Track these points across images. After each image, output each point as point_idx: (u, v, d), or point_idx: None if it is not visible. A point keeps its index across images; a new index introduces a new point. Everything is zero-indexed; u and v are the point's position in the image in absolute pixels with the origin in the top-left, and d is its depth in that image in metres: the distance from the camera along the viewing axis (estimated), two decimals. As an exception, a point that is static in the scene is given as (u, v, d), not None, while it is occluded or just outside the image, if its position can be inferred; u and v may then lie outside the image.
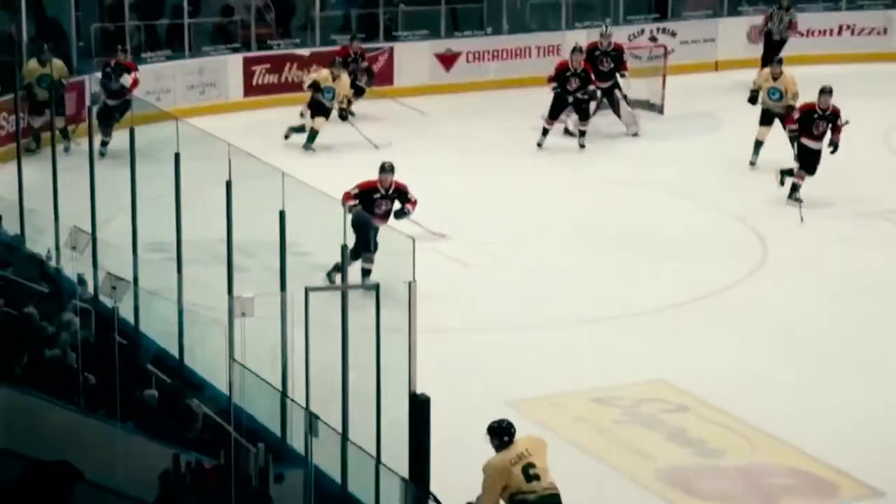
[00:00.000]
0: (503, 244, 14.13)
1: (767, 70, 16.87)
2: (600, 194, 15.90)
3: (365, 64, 19.24)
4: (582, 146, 17.60)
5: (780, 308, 12.50)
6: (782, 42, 20.53)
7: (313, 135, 17.42)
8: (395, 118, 18.88)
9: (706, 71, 21.41)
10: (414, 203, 13.07)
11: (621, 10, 21.93)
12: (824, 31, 21.95)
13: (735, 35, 21.76)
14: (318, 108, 17.54)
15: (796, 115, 15.01)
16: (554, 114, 17.53)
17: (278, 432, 8.47)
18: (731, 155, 16.73)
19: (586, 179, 16.50)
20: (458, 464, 8.78)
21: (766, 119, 16.40)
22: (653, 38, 21.14)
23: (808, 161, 14.81)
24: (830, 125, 14.72)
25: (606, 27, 18.93)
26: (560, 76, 17.39)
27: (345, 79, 17.87)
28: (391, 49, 20.72)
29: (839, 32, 22.18)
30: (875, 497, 9.33)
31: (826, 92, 14.78)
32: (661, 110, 19.01)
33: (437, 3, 21.20)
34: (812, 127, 14.70)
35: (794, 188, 14.86)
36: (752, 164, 16.32)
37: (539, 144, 17.51)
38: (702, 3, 22.62)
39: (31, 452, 8.16)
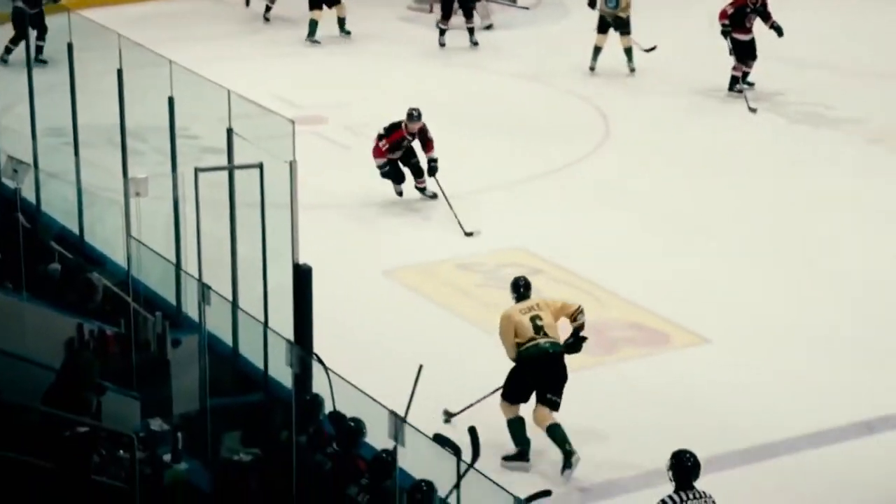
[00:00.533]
0: (379, 128, 13.83)
1: None
2: (464, 81, 15.60)
3: None
4: (475, 43, 16.48)
5: (625, 181, 12.44)
6: None
7: (313, 27, 16.48)
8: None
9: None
10: (432, 143, 11.79)
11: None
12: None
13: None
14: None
15: (729, 11, 14.10)
16: (446, 14, 16.55)
17: (174, 301, 8.31)
18: (580, 44, 16.41)
19: (446, 64, 16.14)
20: (340, 326, 8.76)
21: (602, 27, 14.97)
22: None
23: (747, 51, 14.22)
24: (760, 16, 14.09)
25: None
26: None
27: None
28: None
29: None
30: (703, 343, 9.44)
31: None
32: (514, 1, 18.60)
33: None
34: (745, 20, 14.09)
35: (734, 80, 14.32)
36: (592, 69, 15.14)
37: (441, 44, 16.52)
38: None
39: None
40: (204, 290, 7.15)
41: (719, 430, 8.28)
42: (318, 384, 6.92)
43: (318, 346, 7.71)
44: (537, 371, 7.94)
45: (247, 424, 7.27)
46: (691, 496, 6.18)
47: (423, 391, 7.09)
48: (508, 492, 5.22)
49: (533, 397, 7.99)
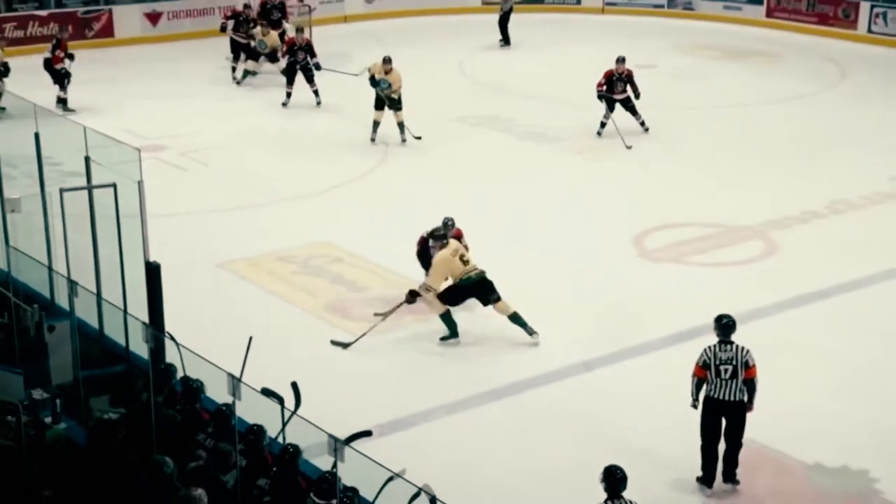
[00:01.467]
0: (207, 151, 13.72)
1: (379, 63, 13.62)
2: (279, 115, 15.52)
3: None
4: (318, 103, 15.49)
5: (405, 185, 12.61)
6: (508, 13, 19.21)
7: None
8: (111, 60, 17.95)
9: (337, 23, 21.12)
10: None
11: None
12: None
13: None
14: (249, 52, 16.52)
15: (603, 81, 14.03)
16: (290, 80, 15.47)
17: (48, 296, 8.13)
18: (360, 82, 16.48)
19: (263, 105, 15.99)
20: (185, 308, 8.66)
21: (378, 104, 13.80)
22: None
23: (613, 105, 14.12)
24: (628, 84, 14.04)
25: None
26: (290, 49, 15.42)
27: (273, 33, 16.57)
28: (110, 10, 19.48)
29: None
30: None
31: (621, 60, 13.92)
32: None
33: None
34: (615, 87, 14.05)
35: (603, 125, 14.15)
36: (373, 140, 13.91)
37: (284, 104, 15.52)
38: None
39: None
40: (72, 286, 7.04)
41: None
42: (171, 357, 6.92)
43: (168, 326, 7.66)
44: (473, 291, 8.87)
45: (113, 390, 7.22)
46: None
47: (253, 357, 7.13)
48: (326, 432, 5.18)
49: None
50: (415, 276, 9.61)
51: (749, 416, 7.01)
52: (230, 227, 11.42)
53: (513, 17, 19.57)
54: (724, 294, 9.65)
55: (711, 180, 12.88)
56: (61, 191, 7.66)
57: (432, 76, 16.93)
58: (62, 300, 7.67)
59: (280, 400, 6.51)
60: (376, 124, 14.04)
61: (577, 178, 13.00)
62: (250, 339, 7.15)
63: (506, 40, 19.48)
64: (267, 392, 6.46)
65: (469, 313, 9.18)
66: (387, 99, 13.79)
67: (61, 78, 15.13)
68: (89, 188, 7.79)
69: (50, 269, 7.99)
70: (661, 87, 16.25)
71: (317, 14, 19.76)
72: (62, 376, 7.21)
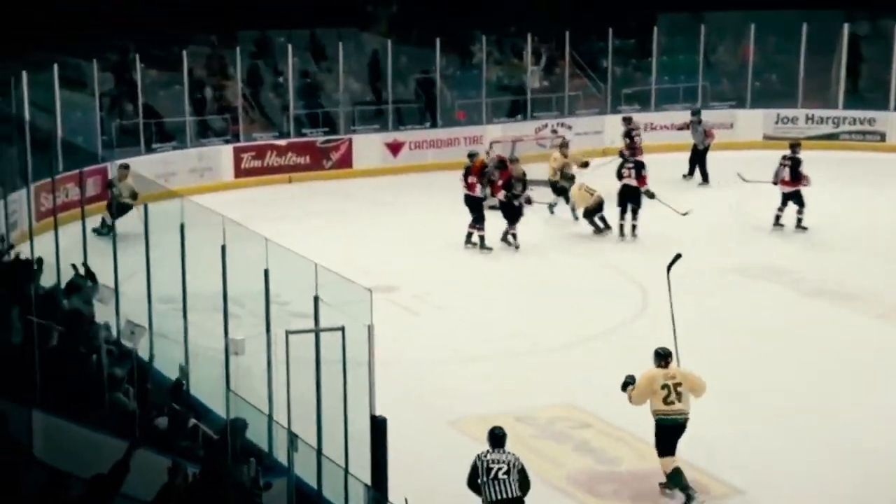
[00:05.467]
0: (442, 294, 14.01)
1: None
2: (517, 253, 15.77)
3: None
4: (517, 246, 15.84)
5: (667, 339, 12.35)
6: (705, 150, 19.59)
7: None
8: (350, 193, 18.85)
9: (595, 157, 21.29)
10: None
11: (529, 109, 22.03)
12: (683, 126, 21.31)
13: (617, 127, 21.65)
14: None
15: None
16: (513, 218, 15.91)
17: (266, 448, 8.34)
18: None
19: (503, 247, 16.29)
20: (411, 472, 8.69)
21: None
22: (554, 131, 21.22)
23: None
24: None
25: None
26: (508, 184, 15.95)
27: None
28: (350, 140, 20.63)
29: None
30: (737, 495, 9.24)
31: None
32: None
33: (385, 104, 21.19)
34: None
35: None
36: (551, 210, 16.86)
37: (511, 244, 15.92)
38: (590, 104, 22.75)
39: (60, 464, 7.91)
40: (293, 439, 7.19)
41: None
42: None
43: (393, 489, 7.71)
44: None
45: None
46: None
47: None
48: None
49: None
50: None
51: None
52: (464, 380, 11.49)
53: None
54: None
55: None
56: (287, 333, 7.94)
57: (703, 215, 16.74)
58: (281, 454, 7.85)
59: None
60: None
61: (881, 348, 12.27)
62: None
63: (704, 178, 19.40)
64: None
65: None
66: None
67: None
68: (317, 331, 8.04)
69: (270, 418, 8.23)
70: None
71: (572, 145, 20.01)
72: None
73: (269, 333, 8.54)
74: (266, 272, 8.50)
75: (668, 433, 9.07)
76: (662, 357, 9.25)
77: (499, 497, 7.84)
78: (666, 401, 9.02)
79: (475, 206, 15.81)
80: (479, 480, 7.93)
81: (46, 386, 8.75)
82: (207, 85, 20.65)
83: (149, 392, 9.02)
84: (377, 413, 7.83)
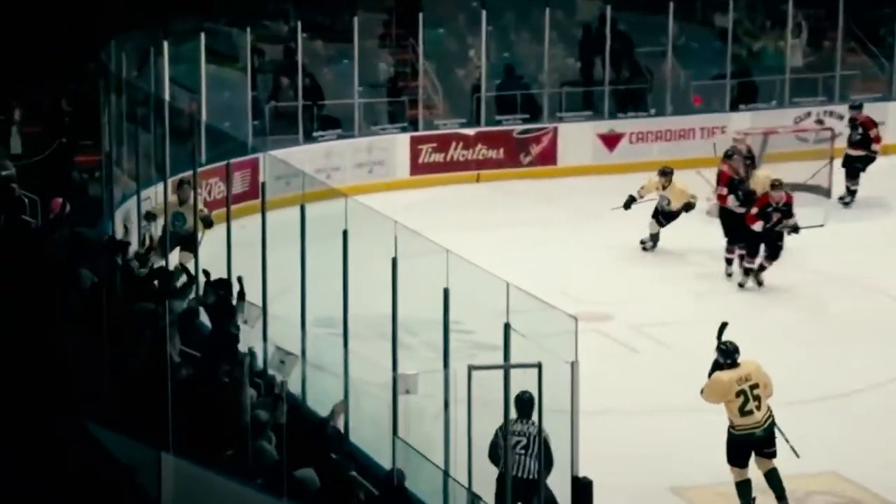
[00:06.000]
0: (668, 326, 13.92)
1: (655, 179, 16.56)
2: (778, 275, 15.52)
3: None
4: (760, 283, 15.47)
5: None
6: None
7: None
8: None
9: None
10: None
11: (787, 93, 21.61)
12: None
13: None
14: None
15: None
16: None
17: (441, 507, 8.45)
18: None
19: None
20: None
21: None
22: (819, 121, 20.79)
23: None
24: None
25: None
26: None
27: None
28: (555, 129, 20.70)
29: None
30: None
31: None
32: (827, 194, 18.51)
33: (600, 85, 21.19)
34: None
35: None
36: (643, 247, 16.52)
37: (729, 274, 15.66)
38: (870, 87, 22.17)
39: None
40: (475, 501, 7.26)
41: None
42: None
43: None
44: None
45: None
46: None
47: None
48: None
49: None
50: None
51: None
52: (695, 437, 11.32)
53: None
54: None
55: None
56: (470, 368, 8.02)
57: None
58: (458, 517, 7.95)
59: None
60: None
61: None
62: None
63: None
64: None
65: None
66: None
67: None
68: (506, 367, 8.11)
69: (446, 474, 8.31)
70: None
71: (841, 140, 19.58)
72: None
73: (446, 369, 8.67)
74: (446, 292, 8.60)
75: (743, 447, 9.71)
76: (729, 354, 9.73)
77: (513, 474, 8.22)
78: (743, 410, 9.51)
79: (733, 225, 15.53)
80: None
81: (179, 424, 9.08)
82: (381, 60, 21.04)
83: (299, 435, 9.24)
84: (581, 474, 7.81)
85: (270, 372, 9.57)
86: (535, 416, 8.24)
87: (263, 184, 15.86)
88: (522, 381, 8.13)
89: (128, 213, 14.98)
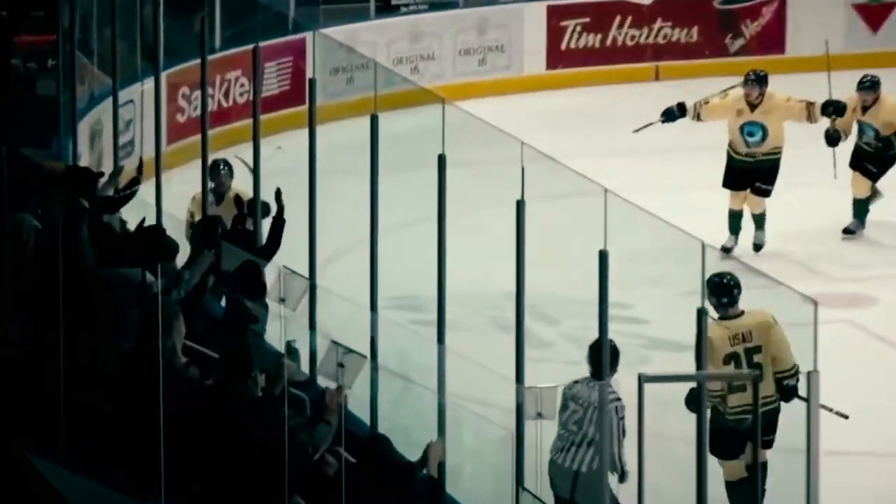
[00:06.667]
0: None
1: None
2: None
3: None
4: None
5: None
6: None
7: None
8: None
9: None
10: None
11: None
12: None
13: None
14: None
15: None
16: None
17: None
18: None
19: None
20: None
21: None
22: None
23: None
24: None
25: None
26: None
27: None
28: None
29: None
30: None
31: None
32: None
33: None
34: None
35: None
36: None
37: None
38: None
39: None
40: None
41: None
42: None
43: None
44: None
45: None
46: None
47: None
48: None
49: None
50: None
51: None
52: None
53: None
54: None
55: None
56: (642, 379, 8.07)
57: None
58: None
59: None
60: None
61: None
62: None
63: None
64: None
65: None
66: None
67: None
68: (699, 377, 8.20)
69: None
70: None
71: None
72: None
73: (602, 380, 8.78)
74: (603, 256, 8.60)
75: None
76: (719, 293, 9.77)
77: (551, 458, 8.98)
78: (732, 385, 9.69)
79: None
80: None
81: (178, 464, 9.24)
82: None
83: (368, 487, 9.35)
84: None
85: (321, 380, 9.64)
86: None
87: (312, 80, 16.12)
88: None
89: (98, 127, 15.17)
